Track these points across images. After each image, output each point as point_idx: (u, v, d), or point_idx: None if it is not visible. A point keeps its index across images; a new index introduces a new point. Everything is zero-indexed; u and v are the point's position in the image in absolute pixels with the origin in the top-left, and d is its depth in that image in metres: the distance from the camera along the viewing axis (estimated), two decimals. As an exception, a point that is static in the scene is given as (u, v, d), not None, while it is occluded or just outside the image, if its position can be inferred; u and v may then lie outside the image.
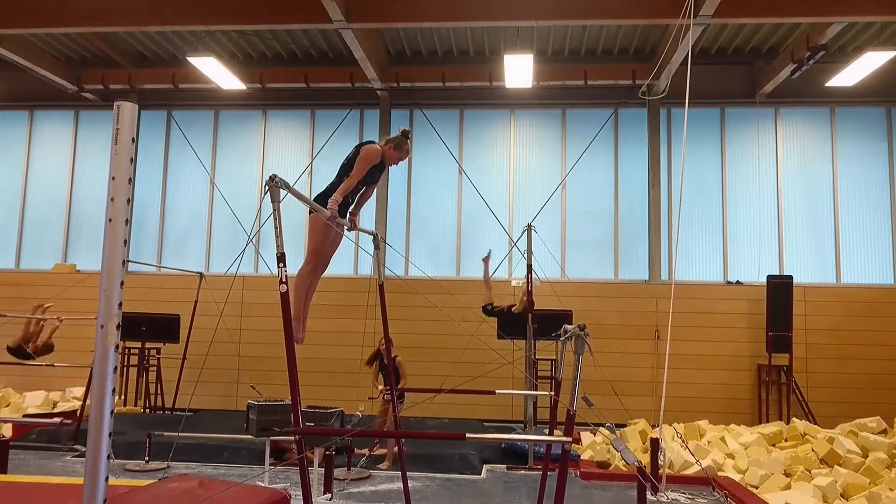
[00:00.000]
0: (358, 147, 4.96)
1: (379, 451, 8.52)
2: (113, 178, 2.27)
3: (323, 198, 4.82)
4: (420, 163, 13.17)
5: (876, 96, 12.37)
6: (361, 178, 4.85)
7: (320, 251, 4.98)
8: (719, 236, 12.59)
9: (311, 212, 4.88)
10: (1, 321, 9.71)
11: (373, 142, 5.04)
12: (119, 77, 13.09)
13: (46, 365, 10.74)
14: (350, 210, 5.09)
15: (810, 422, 10.18)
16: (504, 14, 9.94)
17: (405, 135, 5.04)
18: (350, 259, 12.97)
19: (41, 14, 10.47)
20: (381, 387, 8.06)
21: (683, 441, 8.32)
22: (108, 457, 2.20)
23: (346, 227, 5.09)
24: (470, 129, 13.27)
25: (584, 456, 8.81)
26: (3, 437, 7.91)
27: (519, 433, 10.07)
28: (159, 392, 11.82)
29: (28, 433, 9.57)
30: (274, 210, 3.84)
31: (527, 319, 9.16)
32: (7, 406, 11.24)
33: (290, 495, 3.80)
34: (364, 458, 8.03)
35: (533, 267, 9.49)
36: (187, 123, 13.77)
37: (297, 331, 4.72)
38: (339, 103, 13.36)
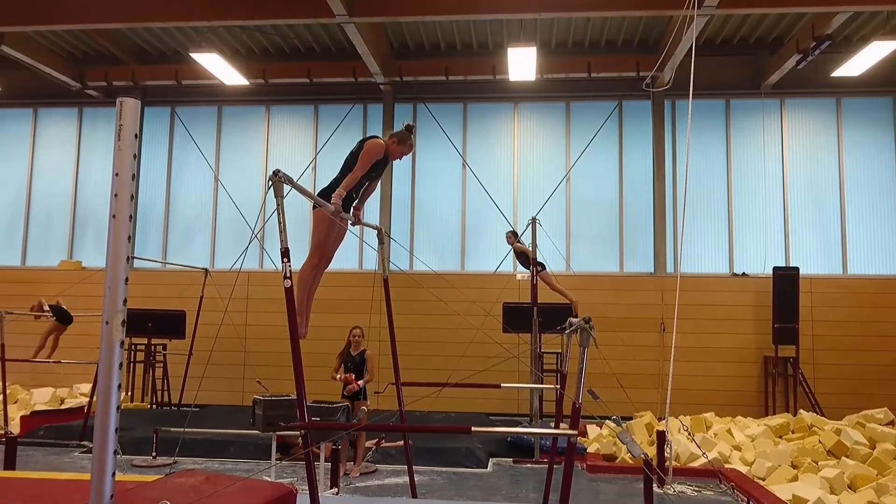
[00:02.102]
0: (361, 142, 4.94)
1: (387, 445, 8.53)
2: (116, 175, 2.27)
3: (327, 193, 4.81)
4: (424, 157, 13.16)
5: (882, 86, 12.29)
6: (365, 172, 4.84)
7: (323, 247, 4.97)
8: (725, 228, 12.55)
9: (314, 207, 4.87)
10: (9, 318, 9.79)
11: (376, 136, 5.03)
12: (122, 74, 13.09)
13: (54, 362, 10.83)
14: (354, 205, 5.08)
15: (817, 413, 10.16)
16: (507, 6, 9.90)
17: (409, 129, 5.02)
18: (355, 254, 12.97)
19: (44, 11, 10.47)
20: (337, 376, 7.96)
21: (690, 433, 8.31)
22: (115, 452, 2.20)
23: (350, 222, 5.08)
24: (473, 123, 13.24)
25: (591, 449, 8.81)
26: (12, 433, 7.96)
27: (525, 426, 10.07)
28: (166, 388, 11.86)
29: (36, 429, 9.62)
30: (278, 205, 3.83)
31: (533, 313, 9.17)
32: (15, 402, 11.28)
33: (296, 490, 3.81)
34: (371, 452, 8.05)
35: (538, 260, 9.50)
36: (191, 119, 13.78)
37: (301, 326, 4.72)
38: (343, 98, 13.34)
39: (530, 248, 9.40)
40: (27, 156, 14.10)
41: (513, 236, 10.05)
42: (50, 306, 10.64)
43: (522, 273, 10.59)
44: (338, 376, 7.95)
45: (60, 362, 10.99)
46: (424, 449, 8.27)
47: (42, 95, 13.90)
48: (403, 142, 4.99)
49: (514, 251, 10.03)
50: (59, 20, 10.65)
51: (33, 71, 12.56)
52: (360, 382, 7.92)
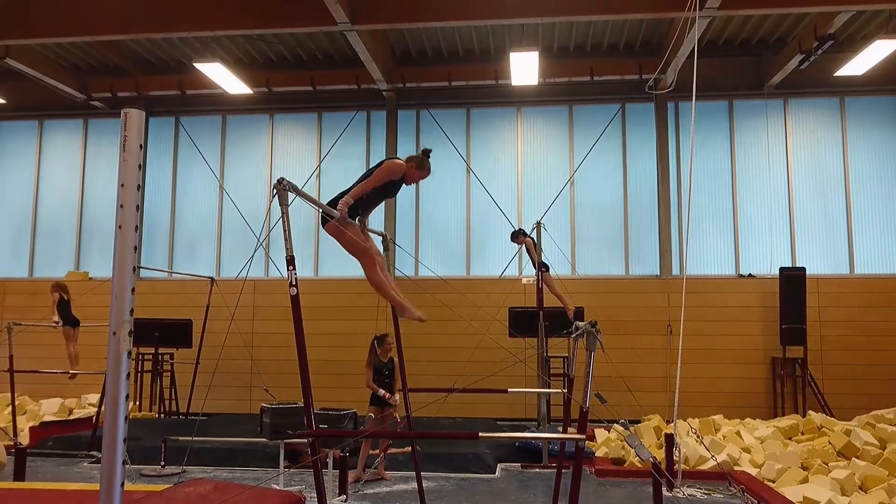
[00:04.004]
0: (385, 160, 5.03)
1: (394, 451, 8.52)
2: (122, 185, 2.28)
3: (337, 201, 4.84)
4: (428, 163, 13.16)
5: (886, 85, 12.26)
6: (376, 186, 4.86)
7: (360, 245, 4.97)
8: (730, 229, 12.52)
9: (324, 223, 4.86)
10: (17, 329, 9.83)
11: (398, 158, 5.08)
12: (126, 85, 13.16)
13: (61, 372, 10.86)
14: (359, 216, 5.09)
15: (826, 414, 10.11)
16: (508, 11, 9.92)
17: (426, 154, 5.11)
18: (360, 260, 12.97)
19: (48, 24, 10.54)
20: (381, 392, 7.72)
21: (698, 436, 8.28)
22: (124, 462, 2.21)
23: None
24: (477, 128, 13.26)
25: (599, 453, 8.79)
26: (21, 444, 7.99)
27: (532, 431, 10.05)
28: (173, 397, 11.88)
29: (45, 440, 9.64)
30: (283, 213, 3.84)
31: (539, 318, 9.16)
32: (24, 414, 11.32)
33: (304, 497, 3.81)
34: (377, 460, 8.03)
35: (542, 261, 9.48)
36: (195, 129, 13.84)
37: (412, 312, 4.83)
38: (346, 105, 13.38)
39: (536, 252, 9.39)
40: (33, 168, 14.17)
41: (521, 234, 9.89)
42: (64, 300, 10.61)
43: (528, 277, 10.58)
44: (381, 392, 7.71)
45: (69, 373, 11.01)
46: (432, 455, 8.26)
47: (47, 107, 13.99)
48: (422, 166, 5.05)
49: (526, 248, 9.85)
50: (64, 33, 10.72)
51: (38, 83, 12.64)
52: (397, 397, 7.81)
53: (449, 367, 10.41)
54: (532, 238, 9.54)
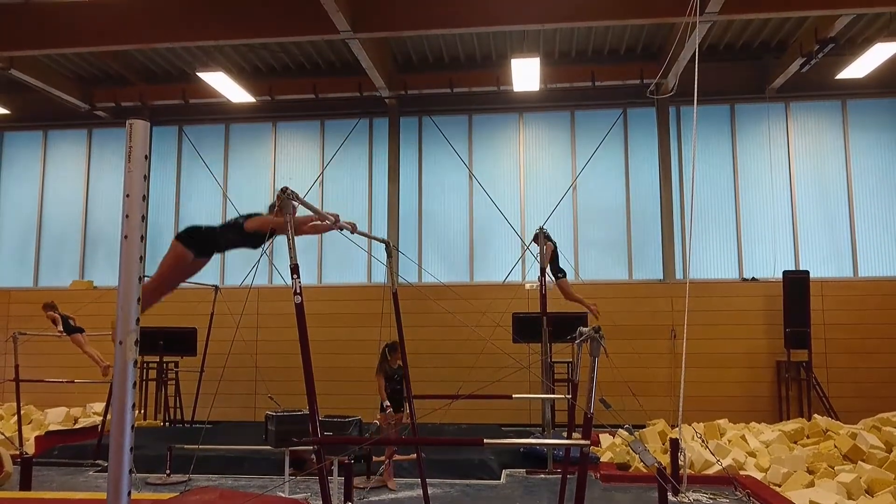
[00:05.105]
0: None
1: (399, 458, 8.51)
2: (127, 196, 2.30)
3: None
4: (430, 169, 13.21)
5: (887, 87, 12.26)
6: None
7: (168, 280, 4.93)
8: (733, 233, 12.52)
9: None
10: (22, 338, 9.86)
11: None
12: (130, 94, 13.23)
13: (67, 381, 10.89)
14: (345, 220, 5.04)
15: (832, 418, 10.08)
16: (509, 18, 9.95)
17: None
18: (363, 267, 12.99)
19: (53, 35, 10.61)
20: (386, 402, 7.72)
21: (703, 440, 8.26)
22: (130, 471, 2.22)
23: (350, 231, 5.10)
24: (479, 134, 13.29)
25: (604, 458, 8.77)
26: (27, 453, 8.00)
27: (537, 437, 10.04)
28: (178, 405, 11.89)
29: (50, 449, 9.66)
30: (286, 222, 3.86)
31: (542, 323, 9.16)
32: (29, 423, 11.35)
33: (310, 505, 3.81)
34: (382, 466, 8.03)
35: (546, 269, 9.48)
36: (199, 138, 13.90)
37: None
38: (348, 113, 13.42)
39: (538, 257, 9.36)
40: (38, 178, 14.25)
41: (545, 238, 9.35)
42: (61, 315, 10.65)
43: (531, 282, 10.57)
44: (385, 404, 7.66)
45: (74, 382, 11.05)
46: (437, 461, 8.25)
47: (51, 117, 14.07)
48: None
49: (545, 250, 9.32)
50: (68, 43, 10.78)
51: (42, 93, 12.71)
52: (406, 411, 7.77)
53: (453, 373, 10.42)
54: (554, 242, 9.24)
